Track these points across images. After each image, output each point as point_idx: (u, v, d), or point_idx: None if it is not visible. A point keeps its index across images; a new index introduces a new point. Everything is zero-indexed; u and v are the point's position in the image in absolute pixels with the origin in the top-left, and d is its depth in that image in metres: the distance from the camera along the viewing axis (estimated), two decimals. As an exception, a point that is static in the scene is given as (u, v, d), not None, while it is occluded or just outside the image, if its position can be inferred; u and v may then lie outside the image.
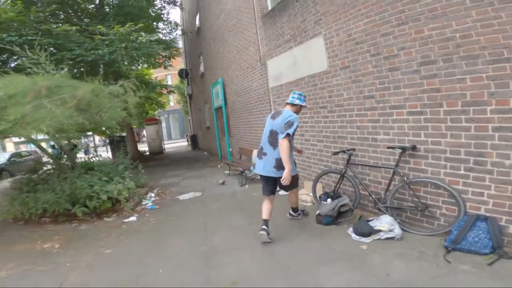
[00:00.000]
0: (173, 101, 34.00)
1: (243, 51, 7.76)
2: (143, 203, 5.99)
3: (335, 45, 4.28)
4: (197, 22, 13.71)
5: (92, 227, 4.74)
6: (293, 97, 3.54)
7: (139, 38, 8.53)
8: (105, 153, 21.04)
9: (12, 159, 14.33)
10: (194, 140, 18.88)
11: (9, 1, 7.38)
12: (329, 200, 4.12)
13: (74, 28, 8.55)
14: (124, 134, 15.19)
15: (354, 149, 4.14)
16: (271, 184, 3.58)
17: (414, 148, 3.33)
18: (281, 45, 5.76)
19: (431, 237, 3.14)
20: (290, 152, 3.27)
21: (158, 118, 19.74)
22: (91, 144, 20.65)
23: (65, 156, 7.44)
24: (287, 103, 3.58)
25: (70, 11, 10.70)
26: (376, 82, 3.69)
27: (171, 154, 17.75)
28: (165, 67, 16.37)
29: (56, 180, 5.62)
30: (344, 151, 4.08)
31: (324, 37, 4.49)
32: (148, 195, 6.70)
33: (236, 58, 8.35)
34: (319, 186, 4.76)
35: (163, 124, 36.47)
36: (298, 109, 3.56)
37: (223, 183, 7.20)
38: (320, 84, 4.71)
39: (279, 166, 3.35)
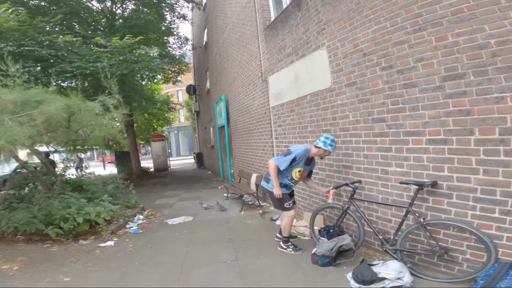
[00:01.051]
0: (183, 118, 34.10)
1: (245, 67, 7.32)
2: (127, 226, 5.61)
3: (340, 57, 3.71)
4: (205, 37, 13.60)
5: (64, 249, 4.42)
6: (320, 140, 3.55)
7: (136, 51, 8.20)
8: (101, 169, 21.06)
9: (17, 170, 14.13)
10: (199, 158, 18.43)
11: (10, 10, 7.25)
12: (328, 236, 3.66)
13: (76, 39, 8.37)
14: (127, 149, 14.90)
15: (360, 181, 3.52)
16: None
17: (434, 184, 2.69)
18: (282, 59, 5.23)
19: (449, 285, 2.64)
20: (279, 174, 3.60)
21: (164, 135, 19.46)
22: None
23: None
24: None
25: (77, 22, 10.68)
26: (387, 102, 3.06)
27: (175, 172, 17.33)
28: (174, 83, 16.25)
29: (38, 198, 5.30)
30: (347, 184, 3.40)
31: (327, 48, 3.95)
32: (136, 217, 6.24)
33: (239, 74, 7.91)
34: (319, 219, 4.12)
35: (173, 140, 36.49)
36: (320, 152, 3.54)
37: (206, 208, 6.83)
38: (323, 103, 4.11)
39: (267, 179, 3.80)
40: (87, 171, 8.30)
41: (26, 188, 6.78)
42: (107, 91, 10.54)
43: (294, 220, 4.95)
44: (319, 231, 3.92)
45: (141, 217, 6.25)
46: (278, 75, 5.44)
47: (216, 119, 11.02)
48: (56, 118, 4.00)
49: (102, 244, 4.53)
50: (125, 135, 6.63)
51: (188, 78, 23.35)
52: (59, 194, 5.36)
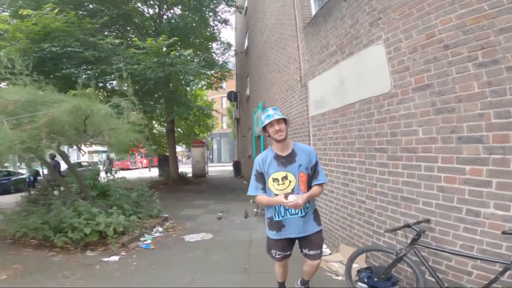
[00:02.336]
0: (225, 124, 34.28)
1: (283, 70, 6.54)
2: (142, 238, 5.25)
3: (404, 52, 2.72)
4: (246, 41, 13.19)
5: (65, 260, 4.23)
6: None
7: (171, 53, 7.86)
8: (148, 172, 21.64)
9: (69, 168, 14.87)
10: (237, 167, 17.91)
11: (56, 10, 7.35)
12: (370, 283, 2.76)
13: (120, 41, 8.35)
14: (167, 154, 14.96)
15: (428, 221, 2.47)
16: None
17: None
18: (324, 60, 4.32)
19: None
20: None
21: (204, 141, 19.40)
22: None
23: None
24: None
25: (123, 24, 10.88)
26: (488, 114, 2.01)
27: (211, 179, 17.05)
28: (216, 89, 16.09)
29: (57, 203, 5.12)
30: (409, 226, 2.36)
31: (385, 43, 2.99)
32: (155, 229, 5.83)
33: (277, 79, 7.15)
34: (360, 258, 3.11)
35: (215, 146, 36.90)
36: (270, 131, 2.37)
37: (220, 218, 6.71)
38: (377, 114, 3.11)
39: None
40: (118, 175, 8.14)
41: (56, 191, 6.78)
42: (152, 96, 10.43)
43: (328, 252, 4.02)
44: (358, 271, 2.96)
45: (160, 229, 5.83)
46: (320, 79, 4.52)
47: (253, 128, 10.40)
48: (64, 121, 3.57)
49: (106, 259, 4.25)
50: (147, 142, 6.26)
51: (232, 85, 23.27)
52: (73, 201, 5.13)
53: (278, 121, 2.26)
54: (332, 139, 4.10)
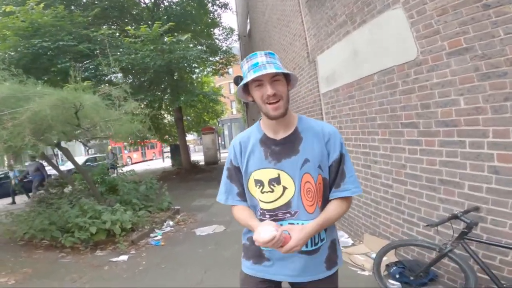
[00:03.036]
0: (235, 110, 33.89)
1: (289, 49, 6.10)
2: (152, 234, 5.09)
3: (431, 15, 2.30)
4: (248, 24, 12.64)
5: (75, 261, 4.13)
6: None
7: (166, 39, 7.48)
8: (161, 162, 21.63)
9: (87, 163, 14.95)
10: (248, 150, 17.71)
11: (42, 5, 7.08)
12: (402, 280, 2.46)
13: (111, 31, 8.05)
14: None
15: (477, 208, 2.06)
16: None
17: None
18: (333, 32, 3.87)
19: None
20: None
21: (213, 127, 19.14)
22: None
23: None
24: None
25: (117, 15, 10.54)
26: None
27: (224, 165, 16.94)
28: (222, 75, 15.69)
29: (59, 203, 5.06)
30: (457, 217, 1.97)
31: (403, 6, 2.56)
32: (166, 223, 5.66)
33: (283, 58, 6.70)
34: (389, 254, 2.78)
35: (226, 132, 36.79)
36: (256, 95, 1.23)
37: None
38: (403, 84, 2.68)
39: None
40: (126, 168, 7.92)
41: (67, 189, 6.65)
42: (152, 86, 10.10)
43: (350, 243, 3.65)
44: (387, 266, 2.66)
45: (171, 223, 5.66)
46: (329, 53, 4.07)
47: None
48: (50, 115, 3.28)
49: (115, 259, 4.11)
50: (150, 132, 6.02)
51: (238, 70, 22.74)
52: (78, 199, 5.00)
53: (272, 77, 1.16)
54: (349, 115, 3.69)
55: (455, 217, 1.98)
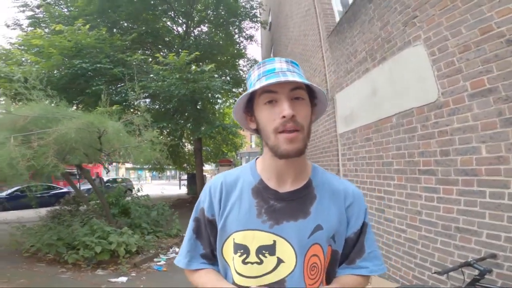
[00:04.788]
0: (253, 143, 34.13)
1: (308, 84, 6.10)
2: (155, 259, 5.10)
3: (453, 52, 2.22)
4: (271, 56, 13.02)
5: (73, 278, 4.14)
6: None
7: (192, 69, 7.77)
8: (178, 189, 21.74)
9: (107, 184, 15.39)
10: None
11: (87, 26, 7.47)
12: None
13: (143, 57, 8.44)
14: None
15: (494, 256, 1.87)
16: None
17: None
18: (353, 69, 3.84)
19: None
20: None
21: (231, 160, 19.22)
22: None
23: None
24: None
25: (151, 41, 11.11)
26: None
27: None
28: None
29: (75, 220, 5.23)
30: (470, 264, 1.74)
31: (425, 43, 2.52)
32: (172, 249, 5.67)
33: (301, 94, 6.72)
34: None
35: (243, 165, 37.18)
36: (263, 121, 0.83)
37: None
38: (422, 128, 2.55)
39: None
40: (141, 193, 7.97)
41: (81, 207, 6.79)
42: (176, 114, 10.39)
43: None
44: None
45: (177, 249, 5.65)
46: (348, 91, 4.03)
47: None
48: (75, 138, 3.41)
49: (114, 279, 4.12)
50: (167, 160, 6.12)
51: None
52: (90, 219, 5.12)
53: (293, 90, 0.78)
54: (365, 158, 3.53)
55: (467, 264, 1.78)
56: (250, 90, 0.81)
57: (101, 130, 3.77)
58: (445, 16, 2.35)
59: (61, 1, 10.27)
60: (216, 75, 8.82)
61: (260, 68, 0.84)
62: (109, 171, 8.13)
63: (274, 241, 0.81)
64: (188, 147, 16.34)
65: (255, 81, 0.82)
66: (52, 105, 3.88)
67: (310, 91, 0.83)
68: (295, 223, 0.81)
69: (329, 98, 4.75)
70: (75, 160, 4.34)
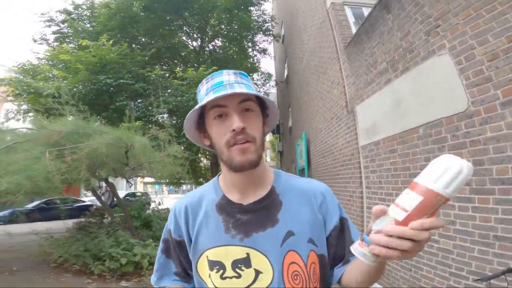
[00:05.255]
0: (268, 157, 34.09)
1: (326, 97, 6.11)
2: None
3: (482, 60, 2.21)
4: (286, 70, 13.15)
5: None
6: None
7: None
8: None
9: (126, 197, 15.73)
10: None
11: (111, 41, 7.67)
12: None
13: (163, 72, 8.56)
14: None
15: None
16: None
17: None
18: (373, 80, 3.84)
19: None
20: None
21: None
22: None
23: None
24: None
25: (169, 56, 11.44)
26: None
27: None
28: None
29: (101, 232, 5.41)
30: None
31: (450, 52, 2.51)
32: None
33: (320, 107, 6.71)
34: None
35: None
36: (217, 138, 0.82)
37: None
38: (452, 138, 2.52)
39: None
40: (162, 207, 8.10)
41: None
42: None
43: None
44: None
45: None
46: (369, 103, 4.01)
47: (297, 160, 9.86)
48: (105, 152, 3.54)
49: None
50: (187, 175, 6.20)
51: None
52: (115, 231, 5.29)
53: (242, 102, 0.78)
54: (390, 170, 3.47)
55: (510, 270, 1.67)
56: (198, 105, 0.79)
57: (129, 145, 3.91)
58: (469, 25, 2.36)
59: (84, 17, 10.70)
60: None
61: (208, 82, 0.83)
62: (132, 185, 8.30)
63: (248, 254, 0.80)
64: (204, 161, 16.50)
65: (203, 95, 0.81)
66: (84, 121, 4.05)
67: (260, 102, 0.83)
68: (264, 233, 0.80)
69: (349, 110, 4.74)
70: (104, 174, 4.49)
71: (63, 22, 10.31)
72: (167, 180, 10.28)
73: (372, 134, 3.91)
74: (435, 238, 2.75)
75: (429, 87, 2.76)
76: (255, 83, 14.23)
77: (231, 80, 0.80)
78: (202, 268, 0.84)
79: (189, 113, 0.80)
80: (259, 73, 14.27)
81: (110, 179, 6.02)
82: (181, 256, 0.89)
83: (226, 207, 0.85)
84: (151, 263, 4.68)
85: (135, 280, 4.54)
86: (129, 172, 5.10)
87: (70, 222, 6.99)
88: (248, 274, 0.79)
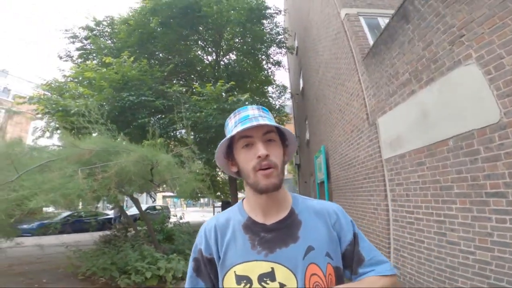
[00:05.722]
0: (286, 171, 33.91)
1: (345, 109, 6.04)
2: None
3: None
4: (301, 82, 13.11)
5: None
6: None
7: (229, 99, 7.99)
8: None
9: (147, 210, 15.97)
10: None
11: (132, 58, 7.79)
12: None
13: (182, 88, 8.65)
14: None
15: None
16: None
17: None
18: (396, 92, 3.80)
19: None
20: None
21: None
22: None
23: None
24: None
25: (186, 71, 11.63)
26: None
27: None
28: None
29: (126, 246, 5.47)
30: None
31: (478, 61, 2.49)
32: None
33: (339, 120, 6.64)
34: None
35: (275, 192, 36.84)
36: (243, 164, 0.95)
37: None
38: (485, 151, 2.45)
39: None
40: (183, 220, 8.16)
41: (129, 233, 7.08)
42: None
43: None
44: None
45: None
46: (392, 115, 3.96)
47: (316, 173, 9.72)
48: (132, 170, 3.65)
49: None
50: (208, 190, 6.24)
51: (290, 130, 23.21)
52: (141, 245, 5.37)
53: (265, 134, 0.93)
54: (418, 183, 3.39)
55: None
56: (228, 136, 0.93)
57: (154, 163, 4.01)
58: (495, 34, 2.35)
59: (105, 33, 10.98)
60: (247, 103, 9.04)
61: (236, 116, 0.98)
62: (155, 200, 8.42)
63: (272, 268, 0.90)
64: (221, 175, 16.59)
65: (232, 128, 0.95)
66: (112, 139, 4.20)
67: (280, 134, 0.97)
68: (287, 248, 0.91)
69: (370, 123, 4.68)
70: (130, 191, 4.60)
71: (86, 38, 10.55)
72: (188, 195, 10.41)
73: (396, 146, 3.85)
74: (471, 250, 2.66)
75: (457, 98, 2.71)
76: (270, 96, 14.26)
77: (255, 114, 0.95)
78: (228, 283, 0.93)
79: (220, 143, 0.94)
80: (274, 85, 14.29)
81: (134, 195, 6.16)
82: (211, 273, 0.99)
83: (251, 226, 0.96)
84: (175, 277, 4.74)
85: (158, 294, 4.57)
86: (153, 188, 5.21)
87: (95, 235, 7.12)
88: (273, 287, 0.88)
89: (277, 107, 13.29)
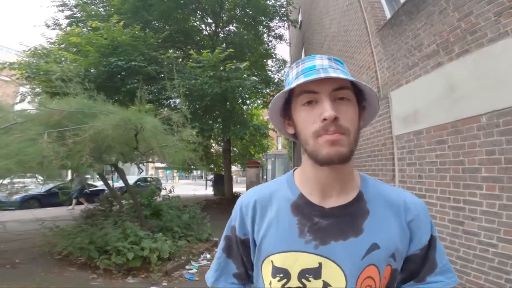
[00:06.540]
0: (280, 145, 33.81)
1: (352, 83, 5.69)
2: (187, 266, 4.86)
3: None
4: (303, 56, 12.63)
5: (104, 286, 3.94)
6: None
7: (226, 66, 7.57)
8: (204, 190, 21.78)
9: (137, 182, 15.40)
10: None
11: (122, 23, 7.39)
12: None
13: (176, 54, 8.34)
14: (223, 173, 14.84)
15: None
16: None
17: None
18: (417, 64, 3.44)
19: None
20: None
21: (259, 162, 18.98)
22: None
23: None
24: None
25: (182, 40, 11.11)
26: None
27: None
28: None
29: (108, 223, 5.05)
30: None
31: None
32: (203, 255, 5.43)
33: (344, 93, 6.30)
34: None
35: (269, 167, 36.71)
36: (304, 121, 0.70)
37: None
38: None
39: None
40: (173, 194, 7.81)
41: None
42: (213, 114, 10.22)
43: None
44: None
45: (208, 256, 5.40)
46: (409, 88, 3.62)
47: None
48: (112, 135, 3.22)
49: None
50: (201, 162, 5.94)
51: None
52: (124, 221, 4.92)
53: (336, 90, 0.66)
54: (435, 164, 3.10)
55: None
56: (286, 89, 0.71)
57: (138, 127, 3.57)
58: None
59: (97, 0, 10.44)
60: (247, 74, 8.58)
61: (298, 66, 0.74)
62: (142, 171, 8.04)
63: (320, 263, 0.69)
64: (215, 147, 16.28)
65: (292, 80, 0.72)
66: (90, 100, 3.70)
67: (357, 92, 0.71)
68: (345, 242, 0.70)
69: (381, 96, 4.34)
70: (111, 160, 4.18)
71: (76, 6, 10.08)
72: (180, 166, 10.13)
73: (412, 122, 3.53)
74: (492, 242, 2.42)
75: (497, 71, 2.36)
76: (269, 70, 13.74)
77: (324, 64, 0.70)
78: (265, 273, 0.76)
79: (276, 96, 0.72)
80: (274, 59, 13.88)
81: (120, 165, 5.77)
82: (244, 256, 0.82)
83: (303, 207, 0.74)
84: (160, 259, 4.41)
85: (142, 276, 4.29)
86: (139, 157, 4.79)
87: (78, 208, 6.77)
88: (314, 285, 0.69)
89: (275, 80, 12.87)
